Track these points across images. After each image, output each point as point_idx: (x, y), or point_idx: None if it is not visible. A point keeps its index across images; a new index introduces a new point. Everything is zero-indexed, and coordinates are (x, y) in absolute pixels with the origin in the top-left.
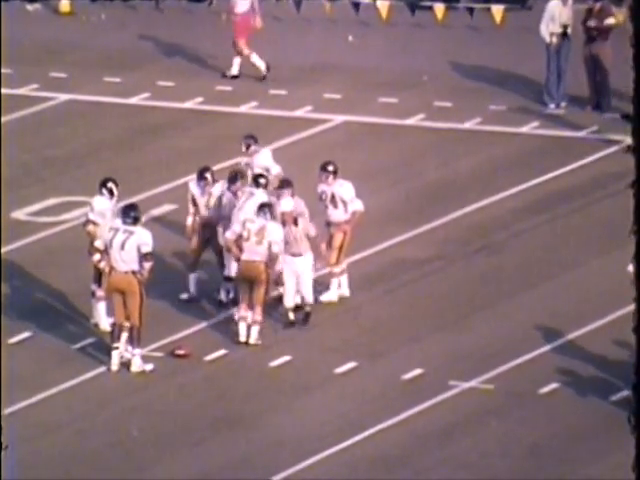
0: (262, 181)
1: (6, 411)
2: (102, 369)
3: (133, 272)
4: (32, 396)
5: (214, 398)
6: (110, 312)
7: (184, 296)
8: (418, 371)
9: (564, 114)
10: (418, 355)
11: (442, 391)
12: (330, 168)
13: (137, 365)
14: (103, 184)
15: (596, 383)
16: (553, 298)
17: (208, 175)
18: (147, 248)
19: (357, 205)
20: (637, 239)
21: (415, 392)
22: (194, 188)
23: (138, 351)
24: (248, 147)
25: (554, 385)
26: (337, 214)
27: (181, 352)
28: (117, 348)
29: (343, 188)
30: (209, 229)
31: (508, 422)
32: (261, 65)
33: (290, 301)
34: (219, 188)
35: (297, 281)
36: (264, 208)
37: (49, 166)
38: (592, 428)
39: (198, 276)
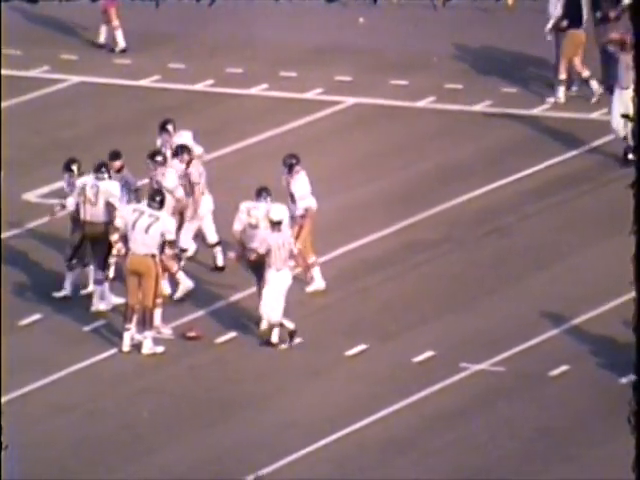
0: (157, 199)
1: (18, 392)
2: (113, 351)
3: (152, 255)
4: (43, 378)
5: (224, 380)
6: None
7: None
8: (428, 353)
9: (575, 97)
10: (428, 337)
11: (452, 373)
12: (289, 161)
13: (148, 347)
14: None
15: (606, 365)
16: (563, 280)
17: (74, 167)
18: (171, 236)
19: (309, 202)
20: (637, 239)
21: (425, 374)
22: (64, 179)
23: (149, 333)
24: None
25: (564, 367)
26: (293, 208)
27: (192, 334)
28: (129, 329)
29: (297, 184)
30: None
31: (518, 404)
32: (122, 43)
33: (277, 316)
34: (85, 180)
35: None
36: (263, 192)
37: (59, 148)
38: (602, 410)
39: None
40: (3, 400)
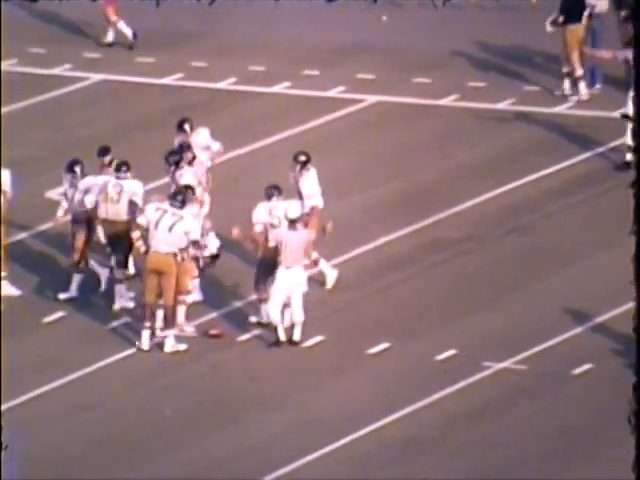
0: (179, 198)
1: (40, 390)
2: (135, 349)
3: (174, 254)
4: (66, 375)
5: (246, 378)
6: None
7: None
8: (451, 352)
9: (598, 94)
10: (451, 336)
11: (475, 372)
12: (300, 158)
13: (170, 345)
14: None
15: (628, 364)
16: (586, 279)
17: (77, 169)
18: (195, 235)
19: (316, 201)
20: (637, 239)
21: (448, 373)
22: (65, 180)
23: (171, 331)
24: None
25: (587, 366)
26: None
27: (215, 332)
28: (147, 328)
29: (306, 182)
30: (80, 224)
31: (540, 403)
32: (128, 33)
33: (277, 315)
34: (106, 179)
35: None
36: (274, 191)
37: (81, 146)
38: (624, 409)
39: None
40: (26, 398)
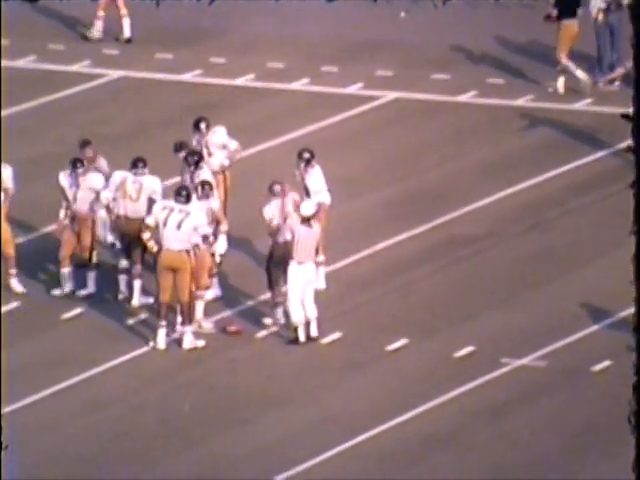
0: (184, 194)
1: (59, 386)
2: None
3: (187, 251)
4: (84, 372)
5: (264, 375)
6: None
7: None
8: (470, 348)
9: (618, 91)
10: (470, 332)
11: (494, 369)
12: (305, 155)
13: (189, 342)
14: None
15: None
16: (606, 275)
17: (80, 166)
18: (205, 229)
19: (323, 197)
20: (637, 239)
21: (467, 369)
22: (63, 180)
23: (189, 328)
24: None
25: (606, 363)
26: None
27: (233, 329)
28: (163, 326)
29: (312, 178)
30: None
31: (560, 400)
32: (127, 30)
33: (299, 315)
34: (124, 175)
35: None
36: (277, 187)
37: (101, 143)
38: None
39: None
40: (44, 394)
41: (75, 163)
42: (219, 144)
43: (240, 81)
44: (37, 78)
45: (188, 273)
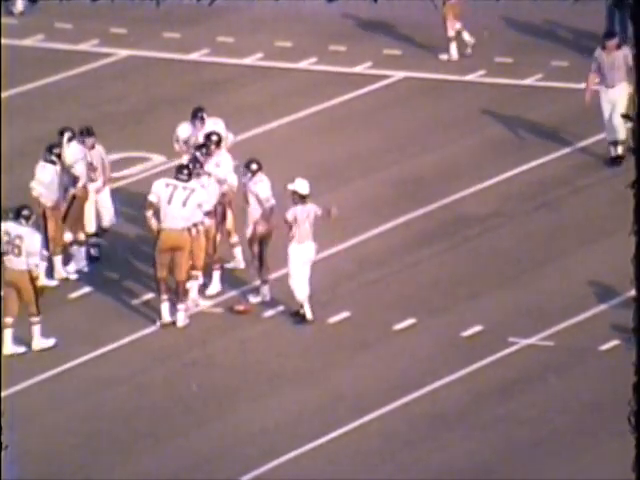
0: (185, 172)
1: (68, 365)
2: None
3: (188, 229)
4: (93, 350)
5: (272, 354)
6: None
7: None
8: (477, 328)
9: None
10: (477, 312)
11: (501, 348)
12: (252, 167)
13: (182, 320)
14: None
15: None
16: (614, 254)
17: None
18: (208, 206)
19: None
20: (637, 239)
21: (474, 349)
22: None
23: (182, 306)
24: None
25: (614, 342)
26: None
27: (240, 308)
28: (165, 300)
29: (261, 185)
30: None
31: (568, 379)
32: (20, 4)
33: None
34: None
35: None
36: (254, 164)
37: (109, 122)
38: None
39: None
40: (54, 372)
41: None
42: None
43: (248, 60)
44: (45, 57)
45: (187, 252)
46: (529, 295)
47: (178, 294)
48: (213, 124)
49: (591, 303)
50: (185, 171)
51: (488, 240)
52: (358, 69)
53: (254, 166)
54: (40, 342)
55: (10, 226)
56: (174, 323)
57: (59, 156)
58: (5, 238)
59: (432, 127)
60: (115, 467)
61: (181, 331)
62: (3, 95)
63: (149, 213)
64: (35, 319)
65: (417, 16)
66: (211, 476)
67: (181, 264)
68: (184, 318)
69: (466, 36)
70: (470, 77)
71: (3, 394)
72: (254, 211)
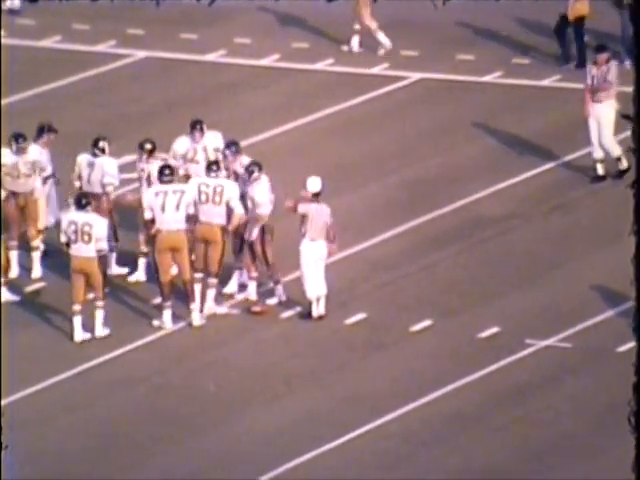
0: (167, 172)
1: (84, 366)
2: (179, 325)
3: (185, 230)
4: (110, 352)
5: (289, 355)
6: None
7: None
8: (494, 329)
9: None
10: (494, 313)
11: (518, 349)
12: (252, 169)
13: (197, 319)
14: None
15: None
16: (629, 256)
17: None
18: (191, 209)
19: (263, 210)
20: (637, 239)
21: (491, 350)
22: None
23: (195, 305)
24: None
25: (631, 344)
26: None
27: (257, 309)
28: (168, 307)
29: (258, 188)
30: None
31: (584, 380)
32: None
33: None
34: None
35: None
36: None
37: (125, 123)
38: None
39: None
40: (70, 374)
41: (17, 138)
42: (215, 147)
43: (265, 61)
44: (62, 58)
45: (186, 251)
46: (545, 296)
47: (188, 295)
48: (212, 137)
49: (607, 304)
50: (167, 171)
51: (504, 242)
52: (375, 70)
53: (252, 169)
54: (101, 330)
55: (75, 215)
56: (192, 324)
57: (103, 150)
58: (72, 228)
59: (449, 128)
60: (132, 468)
61: (197, 332)
62: (18, 97)
63: (147, 215)
64: (100, 303)
65: (434, 16)
66: (228, 477)
67: (184, 264)
68: (199, 318)
69: (382, 38)
70: (486, 78)
71: (19, 396)
72: (250, 213)
